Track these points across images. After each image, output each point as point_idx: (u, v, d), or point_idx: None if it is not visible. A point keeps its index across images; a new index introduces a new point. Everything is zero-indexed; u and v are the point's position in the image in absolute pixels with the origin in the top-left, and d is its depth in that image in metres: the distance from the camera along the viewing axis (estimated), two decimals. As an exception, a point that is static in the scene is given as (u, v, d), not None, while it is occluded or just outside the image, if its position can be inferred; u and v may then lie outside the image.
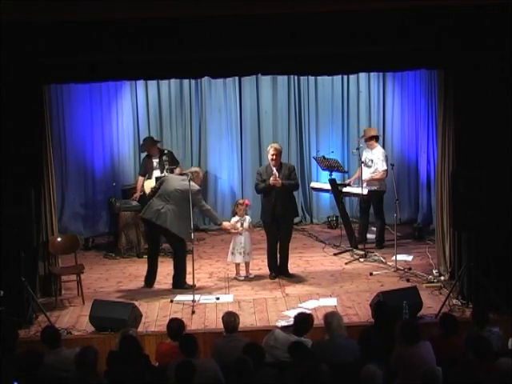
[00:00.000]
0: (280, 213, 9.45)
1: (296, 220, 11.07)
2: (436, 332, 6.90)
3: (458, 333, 6.65)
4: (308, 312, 7.37)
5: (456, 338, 6.60)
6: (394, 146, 12.13)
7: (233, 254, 9.64)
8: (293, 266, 9.82)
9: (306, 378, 5.52)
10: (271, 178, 9.34)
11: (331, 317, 6.79)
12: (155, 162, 11.12)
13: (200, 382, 5.80)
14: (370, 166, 10.75)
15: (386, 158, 10.78)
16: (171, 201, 9.27)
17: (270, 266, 9.70)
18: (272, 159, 9.41)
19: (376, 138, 10.91)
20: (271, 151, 9.43)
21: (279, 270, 9.65)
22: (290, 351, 6.11)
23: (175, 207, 9.24)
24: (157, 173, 11.01)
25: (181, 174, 10.01)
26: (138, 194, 11.10)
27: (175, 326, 6.88)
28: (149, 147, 11.19)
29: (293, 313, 7.84)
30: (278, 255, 9.67)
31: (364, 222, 10.99)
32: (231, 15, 7.99)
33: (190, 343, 6.31)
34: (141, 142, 11.66)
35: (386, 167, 10.63)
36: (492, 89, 8.37)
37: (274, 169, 9.38)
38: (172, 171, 10.93)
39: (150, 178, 11.07)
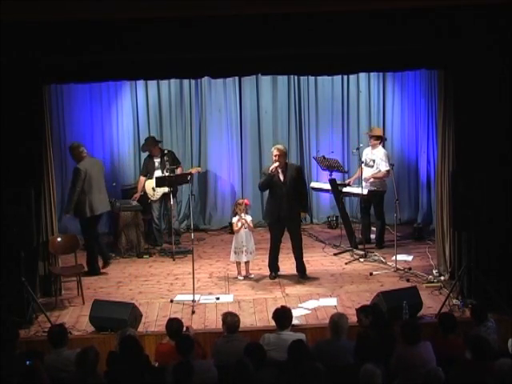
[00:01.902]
0: (286, 214, 9.41)
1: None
2: (435, 331, 6.91)
3: (456, 332, 6.67)
4: (279, 306, 7.39)
5: (455, 338, 6.61)
6: (394, 146, 12.14)
7: (236, 253, 9.63)
8: (293, 266, 9.81)
9: (304, 377, 5.53)
10: (271, 167, 9.34)
11: (336, 317, 6.79)
12: (157, 162, 11.12)
13: (196, 382, 5.81)
14: (371, 166, 10.76)
15: (388, 159, 10.79)
16: (102, 185, 10.03)
17: (270, 266, 9.69)
18: (275, 160, 9.40)
19: (381, 139, 10.94)
20: (274, 152, 9.41)
21: (300, 275, 9.61)
22: (289, 351, 6.12)
23: (104, 188, 10.16)
24: (158, 173, 11.02)
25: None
26: (138, 195, 11.10)
27: (175, 325, 6.88)
28: (150, 147, 11.18)
29: (293, 313, 7.82)
30: (294, 258, 9.65)
31: (366, 223, 11.00)
32: (231, 15, 7.99)
33: (186, 343, 6.31)
34: (141, 142, 11.67)
35: (388, 167, 10.64)
36: (492, 89, 8.37)
37: (276, 164, 9.35)
38: (173, 171, 10.94)
39: (150, 178, 11.07)
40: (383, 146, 11.25)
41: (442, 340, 6.61)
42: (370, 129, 11.42)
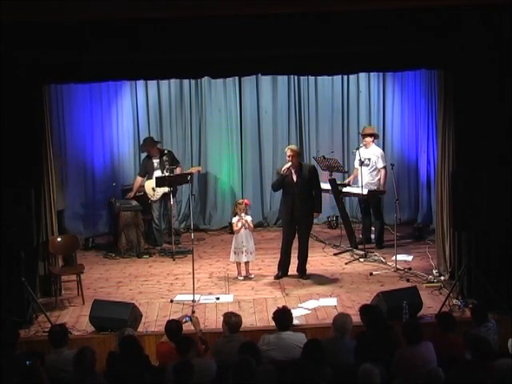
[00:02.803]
0: (299, 214, 9.40)
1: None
2: (434, 331, 6.92)
3: (455, 330, 6.67)
4: (280, 306, 7.38)
5: (455, 337, 6.61)
6: (394, 146, 12.15)
7: (235, 253, 9.62)
8: (293, 266, 9.80)
9: (311, 379, 5.54)
10: (283, 167, 9.33)
11: (341, 317, 6.79)
12: (156, 162, 11.12)
13: (196, 381, 5.81)
14: (367, 165, 10.76)
15: (383, 156, 10.81)
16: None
17: (280, 265, 9.65)
18: (288, 160, 9.36)
19: (374, 137, 10.94)
20: (288, 152, 9.38)
21: (300, 275, 9.61)
22: (304, 349, 6.12)
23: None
24: (158, 173, 11.02)
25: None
26: (132, 194, 11.12)
27: (174, 327, 6.87)
28: (148, 147, 11.19)
29: (293, 313, 7.82)
30: (297, 258, 9.64)
31: (367, 223, 11.00)
32: (231, 15, 7.99)
33: (185, 343, 6.32)
34: (141, 142, 11.67)
35: (384, 164, 10.67)
36: (492, 89, 8.37)
37: (288, 165, 9.34)
38: (172, 171, 10.94)
39: (150, 178, 11.08)
40: (383, 148, 11.28)
41: (441, 339, 6.61)
42: (363, 130, 11.37)
